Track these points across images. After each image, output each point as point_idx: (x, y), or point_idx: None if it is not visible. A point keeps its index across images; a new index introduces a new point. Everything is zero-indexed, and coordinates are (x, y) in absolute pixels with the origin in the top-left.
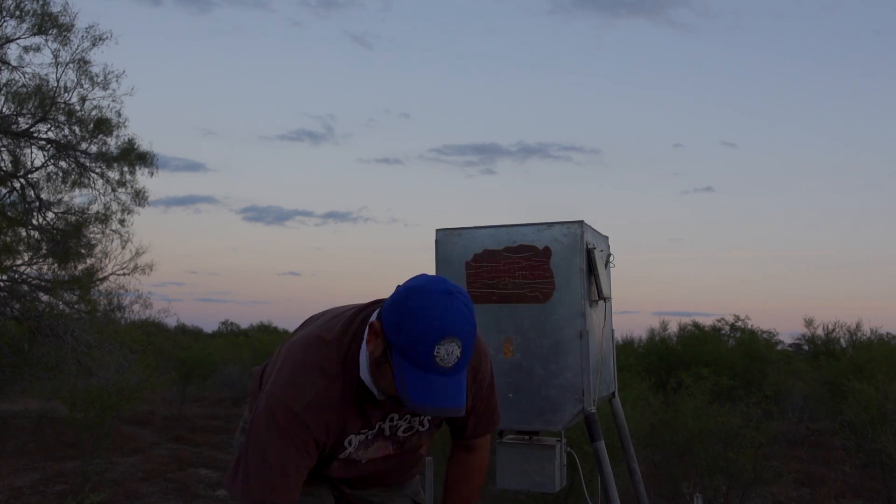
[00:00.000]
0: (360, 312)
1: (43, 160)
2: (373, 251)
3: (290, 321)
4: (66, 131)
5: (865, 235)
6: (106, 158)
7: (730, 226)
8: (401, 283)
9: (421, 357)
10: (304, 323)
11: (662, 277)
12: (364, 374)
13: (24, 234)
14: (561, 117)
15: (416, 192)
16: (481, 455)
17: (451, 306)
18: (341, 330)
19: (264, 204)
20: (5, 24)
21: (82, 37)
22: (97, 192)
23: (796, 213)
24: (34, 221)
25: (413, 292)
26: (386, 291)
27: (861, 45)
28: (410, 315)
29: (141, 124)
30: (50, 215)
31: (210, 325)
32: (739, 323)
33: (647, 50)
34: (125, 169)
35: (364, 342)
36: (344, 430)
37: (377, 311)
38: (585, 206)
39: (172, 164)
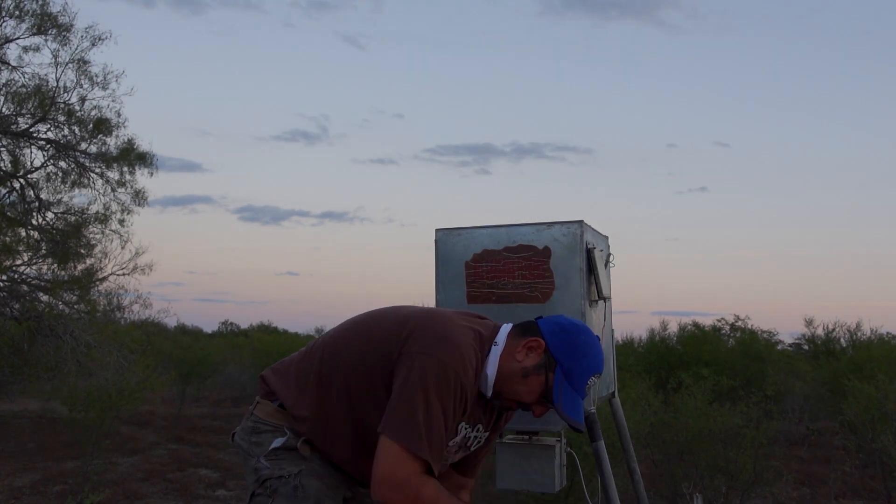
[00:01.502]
0: (487, 322)
1: (42, 160)
2: (370, 251)
3: (290, 321)
4: (66, 131)
5: (865, 235)
6: (105, 158)
7: (726, 226)
8: (548, 317)
9: (580, 382)
10: (394, 308)
11: (661, 277)
12: (491, 371)
13: (23, 234)
14: (554, 118)
15: (411, 192)
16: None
17: (602, 350)
18: (478, 324)
19: (260, 204)
20: (5, 24)
21: (82, 37)
22: (97, 193)
23: (795, 212)
24: (34, 221)
25: (581, 330)
26: (386, 291)
27: (851, 46)
28: (583, 349)
29: (136, 125)
30: (49, 215)
31: (209, 326)
32: (739, 323)
33: (638, 51)
34: (125, 169)
35: (501, 347)
36: (462, 414)
37: (508, 327)
38: (581, 207)
39: (168, 165)
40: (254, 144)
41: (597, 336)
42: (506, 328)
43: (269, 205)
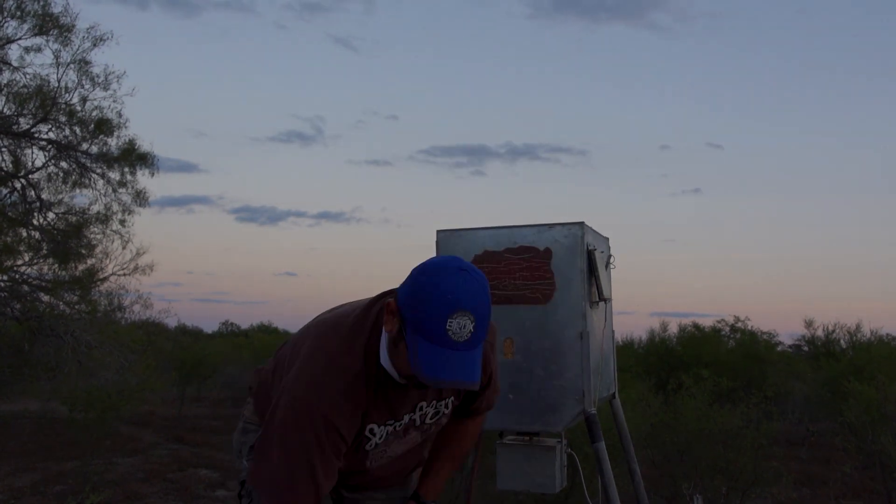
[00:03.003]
0: (377, 301)
1: (44, 160)
2: (367, 251)
3: (289, 321)
4: (67, 132)
5: (865, 236)
6: (107, 159)
7: (723, 227)
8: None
9: (434, 330)
10: (316, 319)
11: (658, 279)
12: (384, 359)
13: (24, 234)
14: (547, 119)
15: (407, 193)
16: (479, 422)
17: (464, 282)
18: (359, 320)
19: (257, 204)
20: (6, 24)
21: (83, 37)
22: (98, 193)
23: (793, 213)
24: (35, 222)
25: (427, 269)
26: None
27: (839, 47)
28: (424, 290)
29: (132, 126)
30: (50, 216)
31: (208, 326)
32: (739, 324)
33: (629, 53)
34: (126, 169)
35: (383, 326)
36: (365, 419)
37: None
38: (577, 208)
39: (164, 165)
40: (249, 145)
41: (461, 266)
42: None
43: (266, 205)
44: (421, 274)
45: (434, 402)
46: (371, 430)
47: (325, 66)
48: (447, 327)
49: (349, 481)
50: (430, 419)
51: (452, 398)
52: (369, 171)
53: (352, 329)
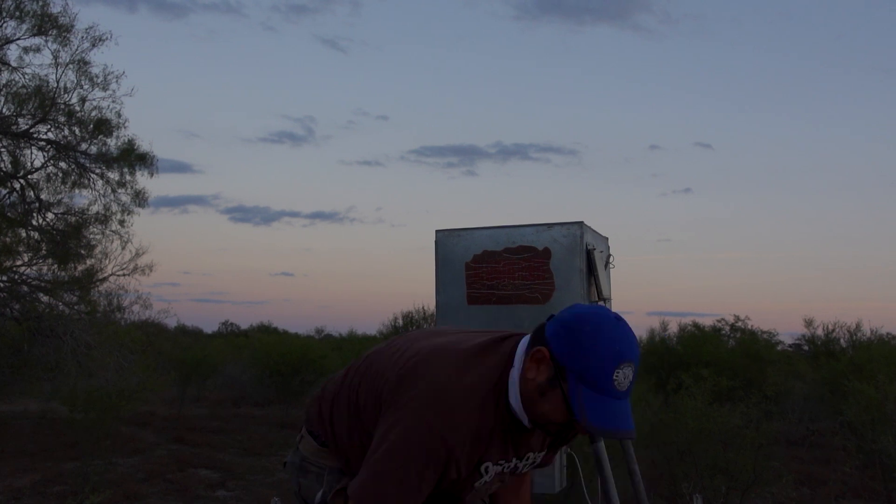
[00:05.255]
0: (504, 339)
1: (43, 161)
2: (362, 251)
3: (289, 321)
4: (66, 132)
5: (865, 236)
6: (106, 159)
7: (717, 226)
8: (556, 314)
9: (601, 381)
10: (424, 344)
11: (655, 278)
12: (515, 402)
13: (23, 234)
14: (536, 119)
15: (400, 193)
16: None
17: (625, 332)
18: (491, 352)
19: (251, 205)
20: (5, 24)
21: (82, 38)
22: (97, 193)
23: (791, 212)
24: (34, 222)
25: (586, 319)
26: (383, 290)
27: (824, 47)
28: (590, 341)
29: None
30: (50, 216)
31: (207, 326)
32: (739, 323)
33: (616, 54)
34: (125, 170)
35: (518, 369)
36: (483, 458)
37: (527, 339)
38: (569, 207)
39: (159, 166)
40: (241, 146)
41: (615, 315)
42: (524, 342)
43: (260, 205)
44: (583, 324)
45: (538, 452)
46: (486, 469)
47: (314, 67)
48: (614, 377)
49: None
50: (527, 468)
51: (544, 452)
52: (361, 172)
53: (487, 361)
